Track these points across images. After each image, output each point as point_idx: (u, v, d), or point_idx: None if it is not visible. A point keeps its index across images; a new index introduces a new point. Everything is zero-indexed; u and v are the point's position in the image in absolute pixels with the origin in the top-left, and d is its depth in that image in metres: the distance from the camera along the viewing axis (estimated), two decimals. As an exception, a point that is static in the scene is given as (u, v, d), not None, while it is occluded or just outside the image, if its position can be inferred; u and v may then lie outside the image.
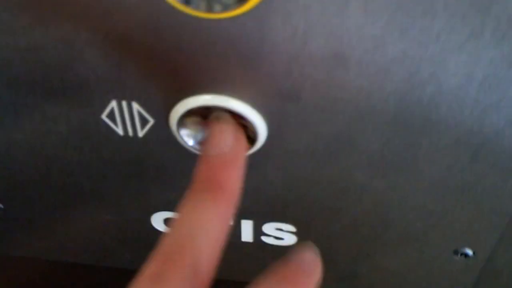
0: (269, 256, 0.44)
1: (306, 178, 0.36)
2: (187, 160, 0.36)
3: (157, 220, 0.43)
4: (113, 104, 0.33)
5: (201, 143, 0.31)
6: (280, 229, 0.41)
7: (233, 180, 0.29)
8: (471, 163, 0.33)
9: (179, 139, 0.34)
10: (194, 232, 0.25)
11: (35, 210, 0.43)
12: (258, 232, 0.42)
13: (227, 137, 0.30)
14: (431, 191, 0.35)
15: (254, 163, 0.34)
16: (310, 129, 0.32)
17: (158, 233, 0.44)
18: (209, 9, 0.26)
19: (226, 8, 0.26)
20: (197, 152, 0.34)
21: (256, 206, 0.39)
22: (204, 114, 0.32)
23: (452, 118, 0.31)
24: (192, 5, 0.26)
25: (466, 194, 0.35)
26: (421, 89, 0.29)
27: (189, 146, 0.34)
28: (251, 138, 0.33)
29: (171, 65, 0.30)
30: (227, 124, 0.30)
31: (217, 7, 0.26)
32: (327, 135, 0.33)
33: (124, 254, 0.47)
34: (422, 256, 0.41)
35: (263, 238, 0.43)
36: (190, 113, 0.32)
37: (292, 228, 0.41)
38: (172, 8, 0.27)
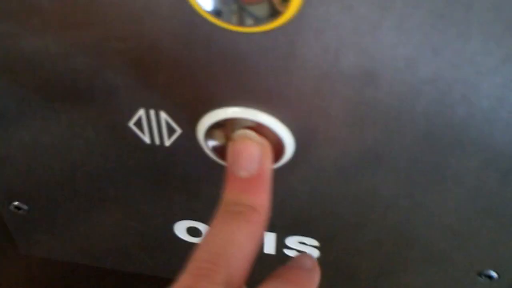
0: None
1: (331, 193, 0.36)
2: (212, 171, 0.36)
3: (180, 229, 0.43)
4: (141, 112, 0.33)
5: (229, 159, 0.31)
6: (303, 243, 0.41)
7: (263, 199, 0.29)
8: (500, 186, 0.33)
9: (205, 150, 0.34)
10: (228, 249, 0.26)
11: (59, 213, 0.44)
12: (281, 244, 0.42)
13: (255, 158, 0.30)
14: (457, 211, 0.35)
15: (280, 177, 0.34)
16: (338, 145, 0.32)
17: (180, 241, 0.44)
18: (241, 23, 0.26)
19: (258, 22, 0.26)
20: (223, 163, 0.34)
21: (280, 219, 0.39)
22: (232, 127, 0.32)
23: (483, 140, 0.30)
24: (223, 18, 0.26)
25: (493, 217, 0.35)
26: (452, 110, 0.29)
27: (216, 157, 0.34)
28: (279, 152, 0.33)
29: (201, 76, 0.30)
30: (255, 144, 0.30)
31: (249, 21, 0.26)
32: (354, 152, 0.32)
33: (146, 261, 0.48)
34: (445, 277, 0.41)
35: (286, 251, 0.42)
36: (218, 125, 0.32)
37: (315, 242, 0.41)
38: (204, 20, 0.27)
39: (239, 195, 0.29)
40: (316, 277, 0.30)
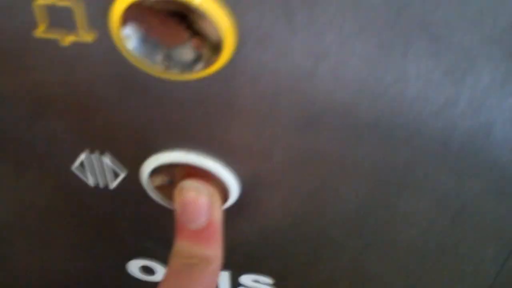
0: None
1: (280, 233, 0.35)
2: (159, 212, 0.35)
3: (133, 268, 0.42)
4: (83, 156, 0.32)
5: (177, 209, 0.30)
6: (257, 281, 0.40)
7: (215, 249, 0.29)
8: (451, 226, 0.32)
9: (149, 193, 0.33)
10: None
11: (10, 251, 0.43)
12: (235, 283, 0.41)
13: (204, 211, 0.29)
14: (411, 251, 0.34)
15: (228, 217, 0.33)
16: (283, 188, 0.32)
17: (133, 280, 0.43)
18: (167, 70, 0.25)
19: (184, 70, 0.25)
20: (169, 205, 0.33)
21: (232, 257, 0.38)
22: (176, 170, 0.31)
23: (431, 181, 0.30)
24: (153, 66, 0.25)
25: (446, 256, 0.34)
26: (395, 153, 0.28)
27: (160, 199, 0.33)
28: (224, 194, 0.32)
29: (139, 121, 0.29)
30: (202, 197, 0.30)
31: (175, 69, 0.25)
32: (301, 194, 0.32)
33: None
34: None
35: (241, 290, 0.42)
36: (162, 168, 0.31)
37: (269, 280, 0.40)
38: (135, 68, 0.26)
39: (191, 247, 0.29)
40: None
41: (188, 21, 0.23)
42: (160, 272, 0.41)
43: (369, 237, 0.34)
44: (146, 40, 0.24)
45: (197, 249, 0.29)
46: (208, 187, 0.30)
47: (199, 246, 0.29)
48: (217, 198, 0.30)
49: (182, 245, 0.29)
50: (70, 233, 0.39)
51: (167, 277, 0.28)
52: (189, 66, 0.25)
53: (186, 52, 0.24)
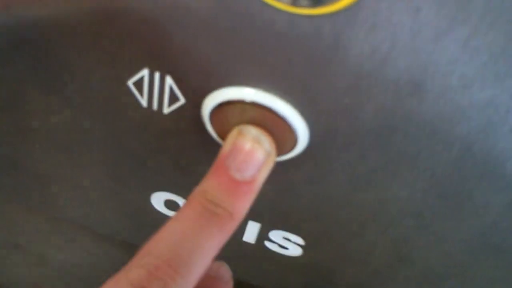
0: (267, 261, 0.41)
1: (335, 198, 0.33)
2: (207, 149, 0.32)
3: (157, 200, 0.39)
4: (145, 72, 0.29)
5: (226, 148, 0.27)
6: (288, 239, 0.38)
7: (243, 208, 0.27)
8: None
9: (208, 127, 0.30)
10: (194, 258, 0.24)
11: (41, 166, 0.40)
12: (263, 236, 0.39)
13: (256, 165, 0.27)
14: (466, 243, 0.32)
15: (285, 170, 0.31)
16: (356, 151, 0.29)
17: (155, 212, 0.40)
18: (295, 3, 0.22)
19: (313, 4, 0.22)
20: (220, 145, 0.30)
21: (270, 212, 0.36)
22: (244, 110, 0.28)
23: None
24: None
25: (501, 256, 0.32)
26: (494, 141, 0.26)
27: (217, 137, 0.30)
28: (288, 145, 0.29)
29: (224, 46, 0.26)
30: (262, 151, 0.27)
31: (304, 2, 0.22)
32: (373, 162, 0.29)
33: (118, 225, 0.44)
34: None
35: (267, 243, 0.39)
36: (229, 104, 0.28)
37: (300, 241, 0.38)
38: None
39: (221, 194, 0.26)
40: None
41: None
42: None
43: (427, 219, 0.32)
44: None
45: (227, 200, 0.26)
46: (269, 142, 0.28)
47: (231, 198, 0.26)
48: (273, 158, 0.28)
49: (212, 186, 0.26)
50: (103, 150, 0.36)
51: (183, 212, 0.25)
52: (315, 2, 0.22)
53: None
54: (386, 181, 0.30)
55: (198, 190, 0.26)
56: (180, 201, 0.38)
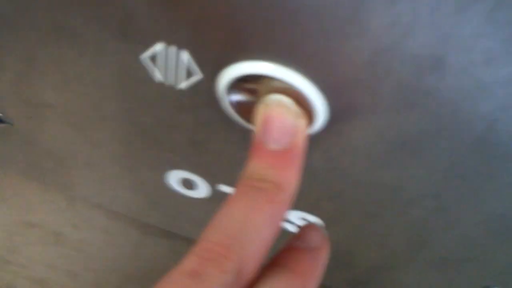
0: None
1: (353, 176, 0.32)
2: (222, 126, 0.31)
3: (172, 178, 0.39)
4: (160, 46, 0.28)
5: (257, 126, 0.27)
6: (305, 220, 0.37)
7: (292, 177, 0.25)
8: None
9: (223, 103, 0.29)
10: (244, 233, 0.23)
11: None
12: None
13: (289, 130, 0.26)
14: (486, 226, 0.31)
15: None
16: (376, 128, 0.28)
17: (168, 190, 0.40)
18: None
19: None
20: (239, 122, 0.30)
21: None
22: (262, 85, 0.27)
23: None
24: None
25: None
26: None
27: (234, 113, 0.30)
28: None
29: (242, 18, 0.25)
30: (291, 113, 0.26)
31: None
32: (393, 139, 0.28)
33: (135, 203, 0.44)
34: (448, 285, 0.38)
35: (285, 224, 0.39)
36: (245, 79, 0.27)
37: (318, 221, 0.37)
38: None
39: (265, 170, 0.25)
40: (323, 258, 0.26)
41: None
42: (201, 187, 0.38)
43: (447, 202, 0.31)
44: None
45: (271, 173, 0.25)
46: (293, 103, 0.27)
47: (274, 170, 0.25)
48: (305, 121, 0.27)
49: (255, 166, 0.25)
50: (116, 126, 0.36)
51: (230, 199, 0.24)
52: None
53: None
54: (405, 160, 0.29)
55: (242, 176, 0.25)
56: (195, 178, 0.38)
